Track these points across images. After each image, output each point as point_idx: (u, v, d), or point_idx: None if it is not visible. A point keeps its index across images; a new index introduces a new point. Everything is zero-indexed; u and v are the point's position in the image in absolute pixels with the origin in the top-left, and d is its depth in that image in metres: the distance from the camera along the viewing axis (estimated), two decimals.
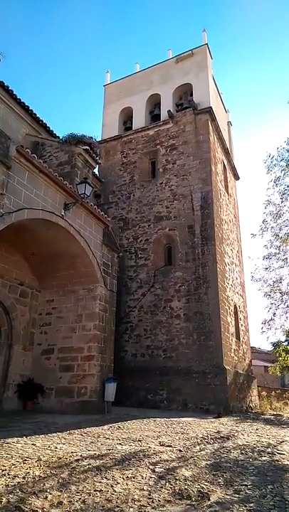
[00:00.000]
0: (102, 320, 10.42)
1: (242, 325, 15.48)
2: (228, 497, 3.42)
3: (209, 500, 3.33)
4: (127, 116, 17.85)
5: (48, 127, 13.34)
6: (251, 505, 3.24)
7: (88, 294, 10.54)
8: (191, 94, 16.34)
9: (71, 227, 9.55)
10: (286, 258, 12.65)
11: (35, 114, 12.63)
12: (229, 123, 20.41)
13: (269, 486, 3.74)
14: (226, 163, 17.51)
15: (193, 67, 16.69)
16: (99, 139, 15.74)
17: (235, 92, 70.35)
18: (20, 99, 11.87)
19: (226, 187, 16.86)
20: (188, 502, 3.28)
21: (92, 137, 12.41)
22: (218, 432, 6.95)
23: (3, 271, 9.83)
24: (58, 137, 12.91)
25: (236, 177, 19.43)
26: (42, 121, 12.99)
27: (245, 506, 3.20)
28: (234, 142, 20.46)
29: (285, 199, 12.33)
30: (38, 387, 9.97)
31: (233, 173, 18.90)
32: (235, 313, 14.69)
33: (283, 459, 4.92)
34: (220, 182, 15.67)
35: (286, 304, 12.75)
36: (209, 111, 15.31)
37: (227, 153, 17.86)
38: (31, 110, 12.41)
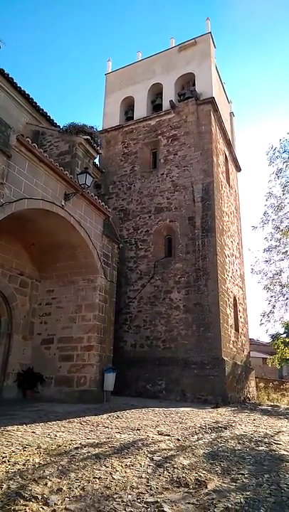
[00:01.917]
0: (101, 310, 10.46)
1: (241, 317, 15.55)
2: (225, 485, 3.47)
3: (206, 488, 3.38)
4: (128, 105, 17.67)
5: (49, 116, 13.21)
6: (248, 493, 3.29)
7: (88, 284, 10.55)
8: (194, 84, 16.16)
9: (71, 217, 9.52)
10: (286, 251, 12.68)
11: (35, 103, 12.50)
12: (232, 114, 20.21)
13: (266, 475, 3.79)
14: (227, 154, 17.39)
15: (196, 56, 16.46)
16: (100, 128, 15.62)
17: (238, 82, 69.60)
18: (20, 88, 11.74)
19: (228, 178, 16.77)
20: (186, 490, 3.33)
21: (93, 127, 12.31)
22: (216, 421, 7.02)
23: (3, 261, 9.84)
24: (59, 126, 12.79)
25: (238, 169, 19.32)
26: (42, 110, 12.86)
27: (242, 494, 3.25)
28: (236, 133, 20.30)
29: (286, 191, 12.32)
30: (38, 377, 10.05)
31: (234, 165, 18.78)
32: (235, 305, 14.74)
33: (280, 448, 4.98)
34: (221, 173, 15.58)
35: (285, 296, 12.81)
36: (212, 101, 15.15)
37: (229, 144, 17.72)
38: (32, 99, 12.28)
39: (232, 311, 14.13)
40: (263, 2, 62.02)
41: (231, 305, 14.12)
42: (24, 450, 4.33)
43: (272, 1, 61.96)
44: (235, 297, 14.87)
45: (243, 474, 3.81)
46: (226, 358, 11.77)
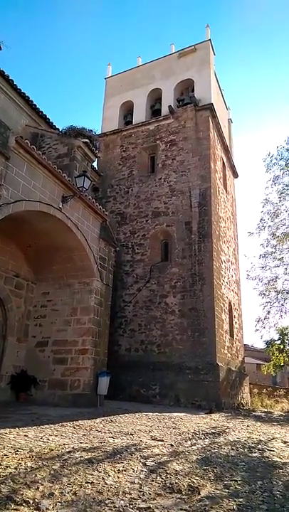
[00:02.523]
0: (97, 314, 10.43)
1: (236, 322, 15.57)
2: (218, 492, 3.46)
3: (199, 494, 3.37)
4: (127, 110, 17.75)
5: (48, 119, 13.24)
6: (241, 500, 3.28)
7: (84, 287, 10.53)
8: (193, 90, 16.28)
9: (69, 220, 9.52)
10: (282, 257, 12.73)
11: (35, 105, 12.53)
12: (230, 120, 20.36)
13: (259, 482, 3.79)
14: (225, 160, 17.49)
15: (195, 62, 16.60)
16: (99, 132, 15.67)
17: (236, 89, 70.15)
18: (20, 90, 11.77)
19: (225, 184, 16.86)
20: (179, 496, 3.31)
21: (92, 130, 12.35)
22: (210, 427, 7.01)
23: None
24: (58, 129, 12.83)
25: (235, 175, 19.43)
26: (42, 112, 12.89)
27: (235, 501, 3.24)
28: (234, 139, 20.43)
29: (283, 198, 12.39)
30: (32, 379, 9.99)
31: (232, 171, 18.89)
32: (230, 310, 14.77)
33: (273, 455, 4.97)
34: (219, 179, 15.66)
35: (280, 302, 12.85)
36: (210, 107, 15.26)
37: (227, 150, 17.83)
38: (31, 101, 12.31)
39: (227, 316, 14.14)
40: (262, 10, 62.75)
41: (226, 310, 14.14)
42: (16, 453, 4.29)
43: (271, 8, 62.70)
44: (230, 303, 14.90)
45: (236, 481, 3.80)
46: (220, 364, 11.77)
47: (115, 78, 18.59)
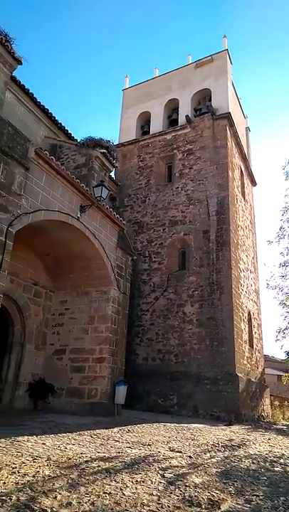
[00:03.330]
0: (114, 322, 10.43)
1: (255, 332, 15.28)
2: (239, 506, 3.36)
3: (220, 508, 3.27)
4: (144, 120, 17.94)
5: (66, 130, 13.49)
6: None
7: (101, 296, 10.56)
8: (210, 100, 16.32)
9: (86, 229, 9.61)
10: None
11: (54, 117, 12.80)
12: (247, 128, 20.28)
13: (281, 498, 3.65)
14: (243, 168, 17.39)
15: (212, 72, 16.67)
16: (116, 142, 15.85)
17: (255, 96, 69.97)
18: (39, 102, 12.05)
19: (243, 193, 16.73)
20: (198, 509, 3.23)
21: (109, 141, 12.49)
22: (230, 439, 6.84)
23: (19, 270, 9.94)
24: (76, 140, 13.04)
25: (253, 183, 19.27)
26: (60, 124, 13.15)
27: None
28: (252, 148, 20.32)
29: None
30: (49, 387, 10.02)
31: (250, 179, 18.75)
32: (249, 320, 14.51)
33: None
34: (236, 188, 15.56)
35: None
36: (228, 116, 15.26)
37: (244, 158, 17.74)
38: (50, 113, 12.58)
39: (246, 326, 13.90)
40: (280, 18, 62.75)
41: (246, 320, 13.90)
42: (34, 461, 4.28)
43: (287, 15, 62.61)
44: (249, 312, 14.65)
45: (258, 496, 3.68)
46: (239, 374, 11.53)
47: (132, 89, 18.86)
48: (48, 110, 12.44)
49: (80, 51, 66.35)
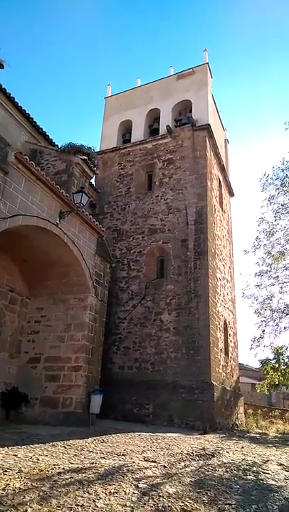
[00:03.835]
0: (91, 330, 10.33)
1: (231, 341, 15.46)
2: None
3: None
4: (126, 128, 18.06)
5: (47, 135, 13.41)
6: None
7: (78, 303, 10.46)
8: (190, 111, 16.62)
9: (65, 235, 9.54)
10: (277, 276, 12.76)
11: (35, 122, 12.70)
12: (226, 140, 20.74)
13: (253, 506, 3.70)
14: (221, 179, 17.73)
15: (193, 84, 17.02)
16: (97, 149, 15.85)
17: (233, 109, 71.77)
18: (21, 107, 11.94)
19: (221, 203, 17.04)
20: None
21: (90, 147, 12.51)
22: (204, 448, 6.87)
23: None
24: (57, 146, 12.97)
25: (231, 194, 19.66)
26: (41, 129, 13.06)
27: None
28: (230, 159, 20.78)
29: (278, 217, 12.51)
30: (23, 397, 9.78)
31: (228, 190, 19.13)
32: (225, 328, 14.68)
33: (268, 478, 4.87)
34: (215, 198, 15.84)
35: (276, 322, 12.80)
36: (207, 128, 15.57)
37: (223, 169, 18.10)
38: (31, 118, 12.49)
39: (222, 334, 14.05)
40: (260, 30, 64.88)
41: (222, 329, 14.06)
42: (4, 474, 4.17)
43: (269, 29, 64.85)
44: (225, 321, 14.83)
45: (231, 504, 3.71)
46: (215, 383, 11.62)
47: (115, 98, 18.99)
48: (29, 115, 12.35)
49: (63, 58, 66.39)
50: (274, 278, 12.81)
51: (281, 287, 12.71)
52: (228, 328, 15.19)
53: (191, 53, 63.89)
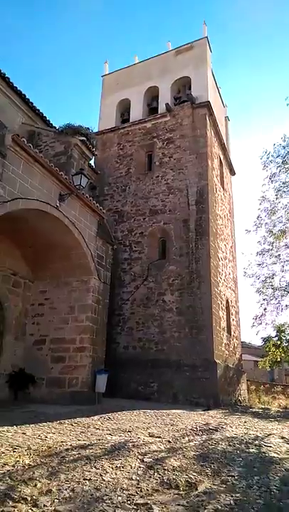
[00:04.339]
0: (94, 312, 10.44)
1: (233, 320, 15.62)
2: (216, 487, 3.49)
3: (197, 490, 3.40)
4: (124, 108, 17.71)
5: (45, 117, 13.19)
6: (237, 495, 3.31)
7: (81, 285, 10.53)
8: (190, 88, 16.23)
9: (66, 218, 9.51)
10: (279, 254, 12.75)
11: (31, 103, 12.47)
12: (227, 118, 20.34)
13: (255, 477, 3.82)
14: (222, 158, 17.49)
15: (192, 60, 16.56)
16: (96, 130, 15.63)
17: (234, 86, 70.11)
18: (16, 88, 11.70)
19: (222, 182, 16.87)
20: (176, 491, 3.34)
21: (88, 128, 12.30)
22: (207, 424, 7.04)
23: None
24: (55, 127, 12.77)
25: (232, 172, 19.43)
26: (38, 110, 12.83)
27: (232, 496, 3.27)
28: (231, 137, 20.43)
29: (279, 196, 12.38)
30: (30, 378, 9.99)
31: (229, 169, 18.90)
32: (227, 307, 14.80)
33: (270, 451, 5.01)
34: (216, 177, 15.67)
35: (277, 300, 12.87)
36: (207, 105, 15.25)
37: (224, 148, 17.83)
38: (28, 99, 12.25)
39: (224, 314, 14.18)
40: (261, 8, 62.65)
41: (224, 308, 14.18)
42: (14, 451, 4.31)
43: (270, 6, 62.64)
44: (228, 300, 14.93)
45: (233, 476, 3.83)
46: (218, 361, 11.81)
47: (112, 76, 18.54)
48: (25, 96, 12.11)
49: (60, 37, 64.54)
50: (276, 256, 12.80)
51: (283, 266, 12.72)
52: (231, 307, 15.32)
53: (190, 27, 61.96)
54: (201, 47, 16.63)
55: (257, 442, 5.50)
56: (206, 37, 16.80)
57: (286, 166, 12.12)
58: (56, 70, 70.93)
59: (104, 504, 2.98)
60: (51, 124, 13.36)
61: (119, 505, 2.97)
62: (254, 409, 11.76)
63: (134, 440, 5.20)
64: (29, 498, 3.02)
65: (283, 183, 12.31)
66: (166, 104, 15.71)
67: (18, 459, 3.98)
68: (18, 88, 11.76)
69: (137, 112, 16.83)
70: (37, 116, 12.91)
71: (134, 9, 64.22)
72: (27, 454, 4.20)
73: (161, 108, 16.04)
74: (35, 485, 3.30)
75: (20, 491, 3.13)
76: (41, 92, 64.20)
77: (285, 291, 12.69)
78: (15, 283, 10.46)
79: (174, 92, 16.70)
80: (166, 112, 15.69)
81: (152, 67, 17.44)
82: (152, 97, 17.15)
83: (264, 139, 73.66)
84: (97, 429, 6.04)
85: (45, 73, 69.65)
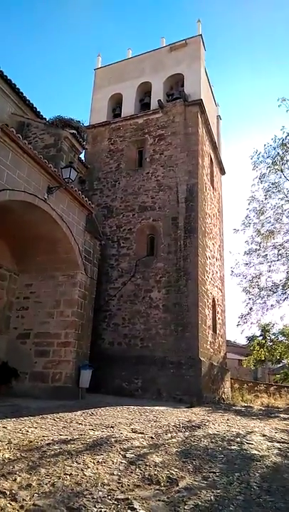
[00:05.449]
0: (80, 307, 10.37)
1: (219, 318, 15.72)
2: (196, 483, 3.50)
3: (178, 485, 3.39)
4: (116, 102, 17.57)
5: (35, 108, 12.99)
6: (218, 491, 3.32)
7: (68, 280, 10.44)
8: (183, 85, 16.21)
9: (54, 211, 9.40)
10: (266, 255, 12.83)
11: (21, 93, 12.25)
12: (218, 117, 20.39)
13: (236, 474, 3.84)
14: (212, 157, 17.53)
15: (186, 57, 16.52)
16: (87, 123, 15.47)
17: (227, 85, 70.35)
18: (6, 77, 11.48)
19: (212, 181, 16.91)
20: (158, 487, 3.33)
21: (79, 121, 12.17)
22: (190, 420, 7.07)
23: None
24: (45, 119, 12.59)
25: (222, 171, 19.51)
26: (29, 101, 12.62)
27: (212, 492, 3.28)
28: (222, 136, 20.50)
29: (268, 196, 12.46)
30: (13, 371, 9.88)
31: (219, 168, 18.96)
32: (213, 306, 14.89)
33: (251, 448, 5.05)
34: (206, 175, 15.70)
35: (263, 299, 12.96)
36: (199, 103, 15.24)
37: (215, 147, 17.87)
38: (18, 89, 12.03)
39: (210, 312, 14.26)
40: (256, 7, 62.91)
41: (210, 306, 14.25)
42: None
43: (266, 6, 62.93)
44: (214, 298, 15.02)
45: (215, 472, 3.84)
46: (202, 359, 11.87)
47: (105, 70, 18.36)
48: (15, 86, 11.90)
49: (53, 28, 63.66)
50: (263, 256, 12.89)
51: (269, 266, 12.82)
52: (217, 306, 15.41)
53: (184, 25, 61.82)
54: (195, 44, 16.60)
55: (239, 439, 5.54)
56: (200, 35, 16.78)
57: (276, 167, 12.20)
58: (48, 62, 70.05)
59: (85, 499, 2.95)
60: (42, 116, 13.18)
61: (100, 500, 2.94)
62: (237, 407, 11.86)
63: (117, 436, 5.18)
64: (8, 492, 2.97)
65: (272, 183, 12.38)
66: (159, 101, 15.65)
67: None
68: (8, 77, 11.54)
69: (129, 107, 16.72)
70: (27, 106, 12.71)
71: (129, 2, 63.77)
72: (7, 448, 4.13)
73: (154, 104, 15.97)
74: (15, 479, 3.25)
75: None
76: (32, 83, 63.36)
77: (270, 291, 12.79)
78: (0, 275, 10.31)
79: (167, 88, 16.65)
80: (159, 109, 15.63)
81: (146, 62, 17.34)
82: (145, 92, 17.06)
83: (256, 139, 74.27)
84: (80, 424, 6.00)
85: (36, 64, 68.73)
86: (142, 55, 17.71)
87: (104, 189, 15.48)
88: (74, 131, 11.58)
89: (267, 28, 69.26)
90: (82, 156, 14.93)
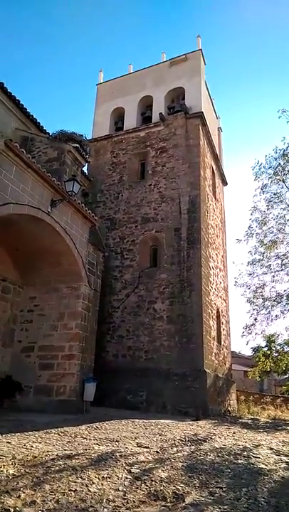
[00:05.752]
0: (84, 319, 10.34)
1: (224, 329, 15.61)
2: (203, 499, 3.44)
3: (184, 501, 3.34)
4: (118, 116, 17.83)
5: (38, 123, 13.19)
6: (225, 507, 3.26)
7: (72, 292, 10.44)
8: (183, 98, 16.44)
9: (57, 224, 9.46)
10: (270, 265, 12.85)
11: (25, 109, 12.47)
12: (220, 129, 20.60)
13: (244, 489, 3.77)
14: (214, 168, 17.66)
15: (186, 71, 16.80)
16: (89, 137, 15.69)
17: (228, 98, 71.18)
18: (10, 93, 11.70)
19: (214, 192, 17.00)
20: (163, 503, 3.28)
21: (82, 135, 12.36)
22: (196, 434, 6.97)
23: None
24: (48, 133, 12.78)
25: (224, 182, 19.62)
26: (32, 116, 12.83)
27: (220, 508, 3.22)
28: (223, 148, 20.67)
29: (271, 206, 12.55)
30: (17, 385, 9.81)
31: (221, 179, 19.08)
32: (218, 317, 14.81)
33: (259, 462, 4.97)
34: (208, 187, 15.79)
35: (267, 309, 12.94)
36: (200, 116, 15.43)
37: (216, 158, 18.02)
38: (22, 104, 12.25)
39: (215, 323, 14.17)
40: (255, 20, 64.06)
41: (214, 317, 14.17)
42: None
43: (263, 20, 64.07)
44: (218, 309, 14.94)
45: (221, 488, 3.78)
46: (207, 370, 11.76)
47: (107, 85, 18.69)
48: (19, 101, 12.11)
49: (56, 45, 65.04)
50: (266, 267, 12.91)
51: (273, 276, 12.82)
52: (221, 317, 15.32)
53: (184, 40, 62.96)
54: (195, 59, 16.89)
55: (245, 453, 5.46)
56: (200, 49, 17.09)
57: (277, 177, 12.30)
58: (51, 77, 71.34)
59: None
60: (45, 130, 13.37)
61: None
62: (243, 420, 11.70)
63: (122, 450, 5.12)
64: (12, 510, 2.94)
65: (274, 194, 12.48)
66: (160, 114, 15.86)
67: (1, 469, 3.87)
68: (12, 93, 11.76)
69: (130, 121, 16.96)
70: (30, 122, 12.91)
71: (130, 19, 65.12)
72: (11, 464, 4.09)
73: (155, 117, 16.19)
74: (19, 496, 3.21)
75: (3, 502, 3.04)
76: (35, 99, 64.41)
77: (275, 301, 12.76)
78: (4, 288, 10.33)
79: (168, 101, 16.89)
80: (160, 122, 15.83)
81: (147, 77, 17.64)
82: (146, 106, 17.31)
83: (258, 150, 74.69)
84: (85, 438, 5.94)
85: (39, 80, 70.00)
86: (143, 69, 18.04)
87: (107, 201, 15.59)
88: (77, 145, 11.74)
89: (267, 41, 70.37)
90: (85, 169, 15.10)
